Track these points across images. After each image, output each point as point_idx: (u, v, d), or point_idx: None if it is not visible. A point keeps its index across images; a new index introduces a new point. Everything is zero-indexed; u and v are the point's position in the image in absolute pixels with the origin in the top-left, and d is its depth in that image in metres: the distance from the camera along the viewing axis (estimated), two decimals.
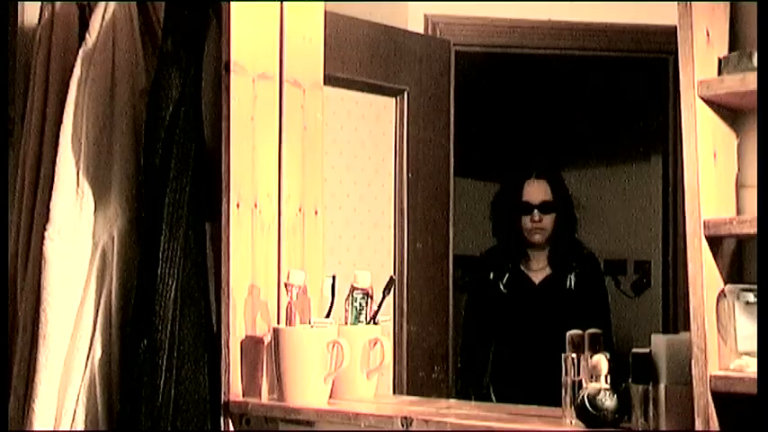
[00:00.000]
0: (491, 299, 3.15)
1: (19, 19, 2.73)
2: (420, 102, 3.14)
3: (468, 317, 3.29)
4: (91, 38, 2.45)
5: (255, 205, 2.24)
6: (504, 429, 1.85)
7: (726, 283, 1.66)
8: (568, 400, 1.83)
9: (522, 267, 3.15)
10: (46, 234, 2.35)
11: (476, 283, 3.30)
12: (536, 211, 3.15)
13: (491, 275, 3.16)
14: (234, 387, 2.19)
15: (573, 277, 3.08)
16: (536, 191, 3.20)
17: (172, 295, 2.18)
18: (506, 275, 3.14)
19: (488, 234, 4.82)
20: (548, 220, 3.15)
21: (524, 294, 3.13)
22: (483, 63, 3.55)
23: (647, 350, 1.74)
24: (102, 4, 2.46)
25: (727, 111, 1.71)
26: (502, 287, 3.13)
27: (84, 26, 2.50)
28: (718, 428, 1.59)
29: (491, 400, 3.01)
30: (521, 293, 3.13)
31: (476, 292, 3.29)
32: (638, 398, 1.72)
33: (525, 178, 3.24)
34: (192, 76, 2.28)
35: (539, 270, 3.14)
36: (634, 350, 1.76)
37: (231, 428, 2.19)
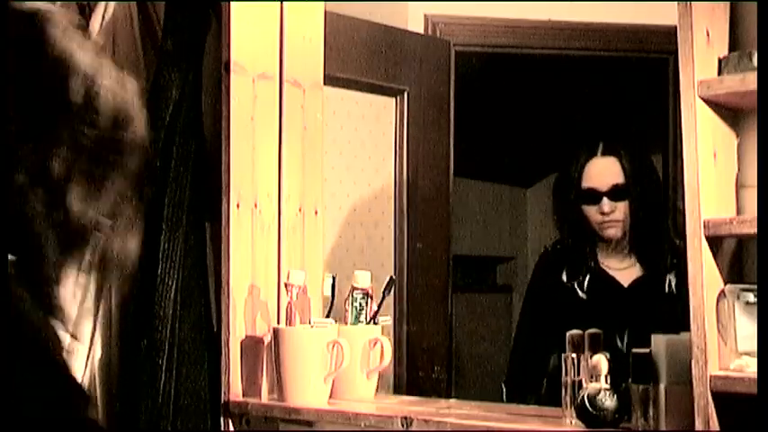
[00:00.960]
0: (563, 303, 2.51)
1: None
2: (420, 102, 3.14)
3: (525, 325, 2.70)
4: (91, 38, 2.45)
5: (255, 205, 2.24)
6: (504, 429, 1.85)
7: (726, 283, 1.66)
8: (568, 400, 1.83)
9: (604, 265, 2.53)
10: None
11: (540, 285, 2.66)
12: (605, 199, 2.49)
13: (564, 276, 2.52)
14: (234, 387, 2.19)
15: (672, 278, 2.46)
16: (603, 172, 2.52)
17: (172, 295, 2.18)
18: (586, 277, 2.51)
19: (489, 233, 4.84)
20: (622, 210, 2.49)
21: (609, 299, 2.50)
22: (483, 63, 3.55)
23: (647, 350, 1.74)
24: (102, 4, 2.46)
25: (727, 111, 1.71)
26: (580, 292, 2.49)
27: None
28: (718, 428, 1.59)
29: None
30: (605, 298, 2.50)
31: (539, 294, 2.65)
32: (638, 398, 1.72)
33: (588, 156, 2.55)
34: (192, 76, 2.28)
35: (624, 269, 2.53)
36: (634, 350, 1.76)
37: (231, 428, 2.19)
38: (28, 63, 1.01)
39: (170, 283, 2.18)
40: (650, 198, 2.51)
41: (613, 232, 2.50)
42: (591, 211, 2.51)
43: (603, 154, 2.53)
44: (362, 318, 2.17)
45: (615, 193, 2.49)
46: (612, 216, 2.49)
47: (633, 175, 2.50)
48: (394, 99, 3.11)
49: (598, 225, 2.50)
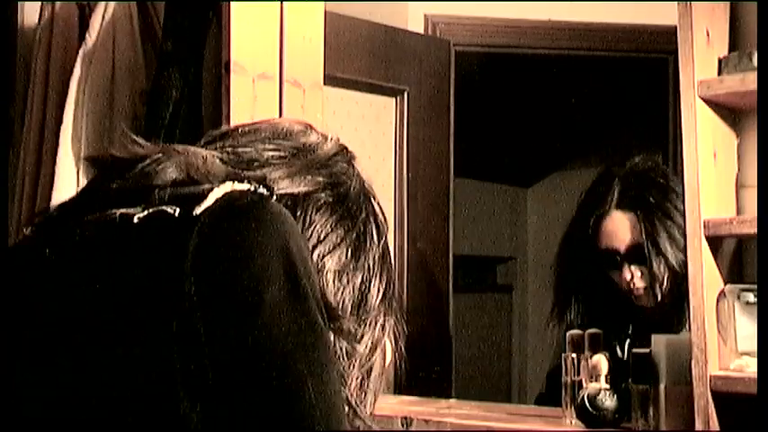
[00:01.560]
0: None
1: (19, 19, 2.73)
2: (420, 102, 3.14)
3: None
4: (91, 38, 2.45)
5: None
6: (504, 429, 1.85)
7: (726, 283, 1.66)
8: (568, 400, 1.83)
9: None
10: None
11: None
12: (626, 265, 2.06)
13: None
14: None
15: None
16: (618, 230, 2.06)
17: None
18: (626, 342, 2.02)
19: (489, 233, 4.84)
20: (647, 274, 2.04)
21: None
22: (483, 63, 3.55)
23: (647, 350, 1.74)
24: (102, 4, 2.46)
25: (727, 111, 1.71)
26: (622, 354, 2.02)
27: (84, 26, 2.50)
28: (718, 428, 1.59)
29: None
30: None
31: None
32: (638, 398, 1.72)
33: (602, 209, 2.09)
34: (192, 76, 2.28)
35: None
36: (634, 350, 1.76)
37: None
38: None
39: None
40: (680, 257, 1.96)
41: (646, 300, 2.05)
42: (615, 276, 2.08)
43: (618, 207, 2.08)
44: None
45: (635, 256, 2.05)
46: (637, 283, 2.05)
47: (655, 231, 2.02)
48: (394, 99, 3.11)
49: (627, 292, 2.06)
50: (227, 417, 0.92)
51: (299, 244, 0.98)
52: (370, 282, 1.11)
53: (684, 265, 1.86)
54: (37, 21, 2.60)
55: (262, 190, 1.03)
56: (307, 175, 1.10)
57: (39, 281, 1.02)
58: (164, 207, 0.97)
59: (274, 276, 0.94)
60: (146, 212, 0.98)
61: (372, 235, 1.13)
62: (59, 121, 2.42)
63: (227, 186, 0.99)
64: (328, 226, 1.08)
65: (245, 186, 1.01)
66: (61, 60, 2.52)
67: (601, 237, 2.09)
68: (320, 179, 1.11)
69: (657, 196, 2.07)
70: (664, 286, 2.01)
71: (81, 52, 2.44)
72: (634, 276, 2.05)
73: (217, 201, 0.97)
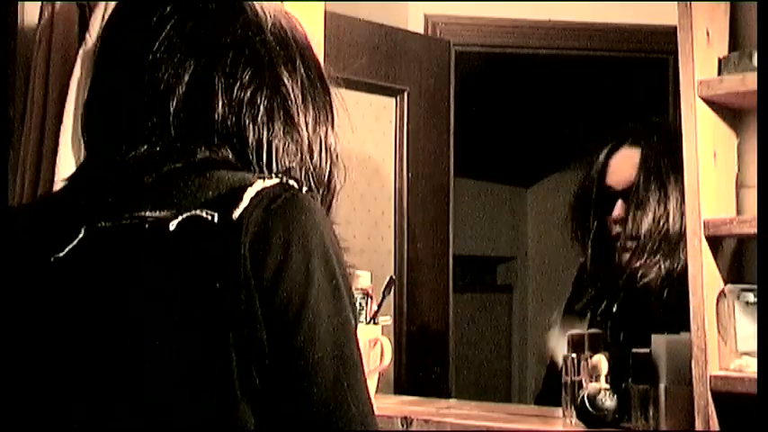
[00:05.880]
0: None
1: (19, 19, 2.73)
2: (420, 102, 3.14)
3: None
4: (91, 38, 2.44)
5: None
6: (504, 429, 1.85)
7: (726, 283, 1.66)
8: (568, 400, 1.83)
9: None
10: None
11: (573, 305, 2.04)
12: (619, 201, 1.92)
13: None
14: None
15: None
16: (623, 166, 1.94)
17: None
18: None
19: (489, 233, 4.84)
20: (643, 222, 1.87)
21: None
22: (483, 63, 3.55)
23: (647, 350, 1.74)
24: (102, 4, 2.46)
25: (727, 111, 1.71)
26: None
27: (84, 26, 2.50)
28: (718, 428, 1.59)
29: None
30: None
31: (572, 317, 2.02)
32: (638, 398, 1.72)
33: (615, 146, 1.98)
34: None
35: None
36: (634, 350, 1.76)
37: None
38: None
39: None
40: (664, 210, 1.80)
41: (636, 262, 1.84)
42: (610, 223, 1.90)
43: (633, 143, 1.93)
44: (362, 318, 2.17)
45: (632, 195, 1.87)
46: (628, 229, 1.85)
47: (649, 170, 1.83)
48: (394, 99, 3.11)
49: (618, 248, 1.89)
50: (274, 414, 0.93)
51: (331, 237, 1.00)
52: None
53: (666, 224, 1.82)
54: (37, 21, 2.60)
55: (291, 182, 1.03)
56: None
57: (73, 282, 1.00)
58: (197, 212, 0.96)
59: (313, 276, 0.95)
60: (179, 218, 0.96)
61: None
62: (59, 121, 2.41)
63: (258, 185, 0.99)
64: None
65: (273, 181, 1.01)
66: (61, 60, 2.52)
67: (607, 174, 1.98)
68: None
69: (663, 142, 1.96)
70: (649, 229, 1.85)
71: (81, 52, 2.44)
72: (626, 219, 1.87)
73: (252, 201, 0.96)
